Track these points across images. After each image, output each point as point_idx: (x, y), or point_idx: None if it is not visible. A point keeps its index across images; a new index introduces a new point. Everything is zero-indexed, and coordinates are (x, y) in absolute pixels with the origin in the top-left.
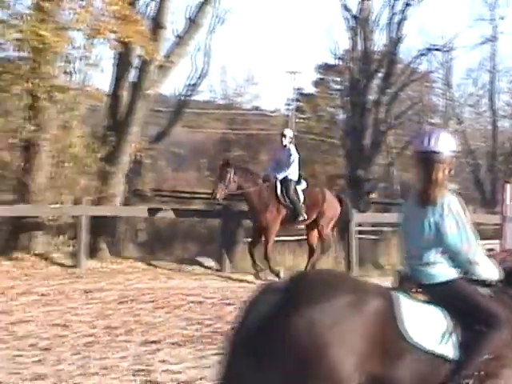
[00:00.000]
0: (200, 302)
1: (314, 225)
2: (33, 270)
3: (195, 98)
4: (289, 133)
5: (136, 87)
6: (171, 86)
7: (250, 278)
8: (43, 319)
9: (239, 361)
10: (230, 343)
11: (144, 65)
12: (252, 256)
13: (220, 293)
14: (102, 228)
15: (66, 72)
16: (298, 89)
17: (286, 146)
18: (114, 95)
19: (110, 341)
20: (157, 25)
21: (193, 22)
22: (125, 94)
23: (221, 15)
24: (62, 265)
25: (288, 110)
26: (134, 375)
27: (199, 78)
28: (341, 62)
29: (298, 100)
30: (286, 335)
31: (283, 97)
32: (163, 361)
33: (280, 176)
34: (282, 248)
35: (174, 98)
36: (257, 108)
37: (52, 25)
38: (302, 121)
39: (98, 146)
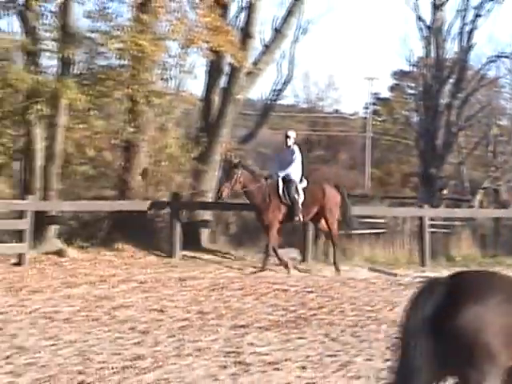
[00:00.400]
0: (285, 290)
1: (319, 217)
2: (132, 259)
3: (280, 102)
4: (292, 134)
5: (226, 92)
6: (258, 91)
7: (331, 268)
8: (142, 305)
9: (417, 345)
10: (404, 330)
11: (234, 71)
12: (274, 252)
13: (303, 281)
14: (195, 221)
15: (162, 78)
16: (375, 93)
17: (289, 146)
18: (207, 99)
19: (203, 325)
20: (246, 35)
21: (279, 33)
22: (216, 99)
23: (304, 26)
24: (158, 255)
25: (366, 113)
26: (224, 356)
27: (284, 83)
28: (415, 69)
29: (375, 104)
30: (454, 324)
31: (361, 101)
32: (251, 343)
33: (282, 174)
34: (360, 240)
35: (261, 102)
36: (337, 111)
37: (150, 35)
38: (378, 123)
39: (192, 147)
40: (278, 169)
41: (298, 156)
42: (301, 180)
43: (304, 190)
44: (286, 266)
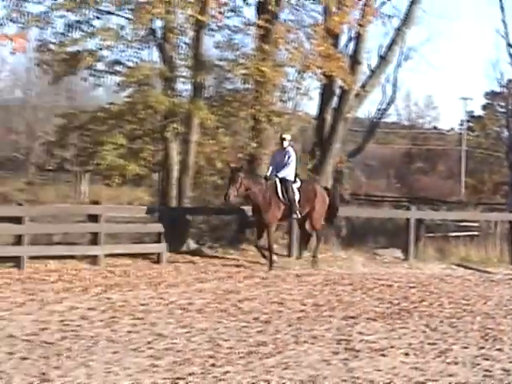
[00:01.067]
0: (389, 285)
1: (307, 216)
2: (255, 258)
3: (384, 120)
4: (287, 136)
5: (337, 112)
6: (365, 110)
7: (430, 266)
8: (264, 298)
9: None
10: None
11: (344, 93)
12: (259, 250)
13: (405, 278)
14: None
15: (281, 100)
16: (470, 112)
17: (285, 148)
18: (320, 118)
19: (317, 316)
20: (354, 61)
21: (383, 59)
22: (328, 117)
23: (406, 53)
24: (278, 254)
25: (461, 129)
26: (336, 344)
27: (388, 103)
28: (505, 90)
29: (469, 121)
30: None
31: (457, 118)
32: (360, 332)
33: (280, 175)
34: (456, 242)
35: (368, 120)
36: (435, 127)
37: (271, 62)
38: (472, 138)
39: (308, 159)
40: (276, 170)
41: (292, 157)
42: (295, 180)
43: (298, 189)
44: (270, 264)
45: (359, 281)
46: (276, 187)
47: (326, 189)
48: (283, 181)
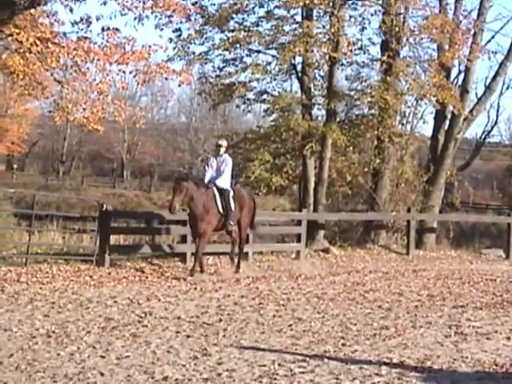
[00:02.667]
0: (493, 280)
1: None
2: (378, 256)
3: (488, 139)
4: (224, 143)
5: (448, 133)
6: (472, 131)
7: None
8: (385, 289)
9: None
10: None
11: (454, 117)
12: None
13: (507, 273)
14: (425, 228)
15: (401, 123)
16: None
17: (221, 155)
18: (434, 138)
19: (431, 305)
20: (463, 90)
21: (488, 89)
22: (441, 138)
23: (508, 83)
24: (397, 253)
25: None
26: (448, 328)
27: (492, 126)
28: None
29: None
30: None
31: None
32: (468, 319)
33: (218, 182)
34: None
35: (474, 140)
36: None
37: (392, 92)
38: None
39: (423, 173)
40: (214, 178)
41: (229, 165)
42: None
43: (233, 197)
44: (201, 270)
45: (467, 275)
46: (214, 196)
47: (249, 195)
48: (221, 190)
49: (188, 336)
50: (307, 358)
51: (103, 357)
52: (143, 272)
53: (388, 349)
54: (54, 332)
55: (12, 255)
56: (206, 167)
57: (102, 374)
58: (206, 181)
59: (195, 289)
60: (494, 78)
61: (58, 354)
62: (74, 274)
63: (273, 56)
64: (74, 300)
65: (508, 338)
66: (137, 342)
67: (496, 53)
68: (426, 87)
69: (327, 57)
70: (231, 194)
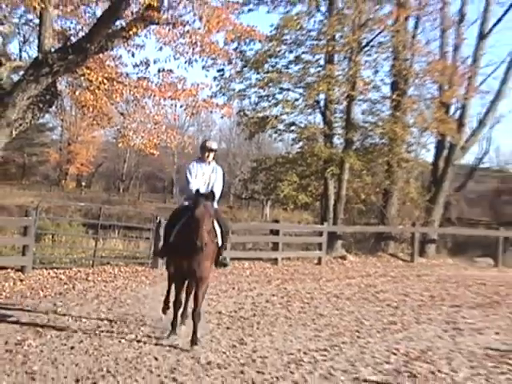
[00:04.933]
0: (484, 284)
1: None
2: (387, 263)
3: (480, 165)
4: (215, 146)
5: (447, 159)
6: (467, 158)
7: None
8: (393, 290)
9: None
10: None
11: (452, 146)
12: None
13: (495, 279)
14: (427, 239)
15: (407, 151)
16: None
17: (209, 162)
18: (435, 164)
19: (432, 304)
20: (460, 124)
21: (481, 123)
22: (441, 164)
23: (498, 118)
24: (403, 260)
25: None
26: (446, 324)
27: (484, 154)
28: None
29: None
30: None
31: None
32: (463, 317)
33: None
34: None
35: (468, 166)
36: None
37: (401, 124)
38: None
39: (425, 193)
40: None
41: (221, 178)
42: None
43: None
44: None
45: (462, 280)
46: (213, 221)
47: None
48: (216, 212)
49: (227, 328)
50: (328, 348)
51: (157, 344)
52: None
53: (395, 341)
54: (116, 323)
55: (81, 258)
56: (188, 175)
57: (156, 359)
58: (190, 193)
59: (233, 288)
60: (486, 113)
61: (120, 341)
62: (132, 274)
63: (300, 94)
64: (133, 296)
65: (497, 333)
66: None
67: (488, 93)
68: (428, 121)
69: (346, 95)
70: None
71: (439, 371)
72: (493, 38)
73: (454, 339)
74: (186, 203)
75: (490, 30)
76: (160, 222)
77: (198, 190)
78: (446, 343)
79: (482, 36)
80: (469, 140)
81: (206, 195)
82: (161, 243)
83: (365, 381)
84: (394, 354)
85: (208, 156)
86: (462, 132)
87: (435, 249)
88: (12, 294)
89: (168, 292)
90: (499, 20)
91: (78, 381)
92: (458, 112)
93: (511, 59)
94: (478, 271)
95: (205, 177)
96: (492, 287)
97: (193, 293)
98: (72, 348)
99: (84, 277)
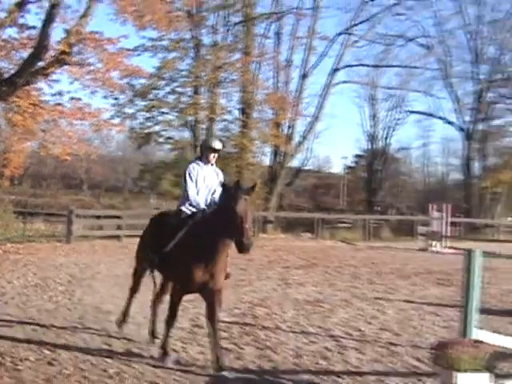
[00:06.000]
0: (306, 252)
1: None
2: None
3: (304, 167)
4: (219, 146)
5: (281, 163)
6: (294, 162)
7: (327, 242)
8: (242, 256)
9: None
10: None
11: (284, 154)
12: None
13: (314, 248)
14: (266, 220)
15: (253, 157)
16: (347, 164)
17: (212, 164)
18: (271, 166)
19: (269, 266)
20: (289, 138)
21: (304, 138)
22: (276, 166)
23: (316, 134)
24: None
25: (343, 172)
26: (279, 280)
27: (307, 160)
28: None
29: (348, 167)
30: None
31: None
32: (292, 274)
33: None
34: (341, 230)
35: (296, 168)
36: (329, 172)
37: (247, 138)
38: (350, 177)
39: (265, 187)
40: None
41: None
42: None
43: None
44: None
45: (290, 249)
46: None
47: None
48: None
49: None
50: (194, 299)
51: (70, 299)
52: None
53: (243, 293)
54: (39, 284)
55: (14, 236)
56: (189, 179)
57: (70, 310)
58: (193, 200)
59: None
60: (308, 131)
61: (42, 297)
62: (52, 248)
63: (175, 116)
64: (52, 264)
65: (315, 286)
66: (92, 287)
67: (308, 116)
68: (267, 136)
69: (208, 117)
70: None
71: (274, 313)
72: (312, 77)
73: (284, 291)
74: (183, 208)
75: (309, 72)
76: (72, 210)
77: (238, 182)
78: (278, 294)
79: (303, 76)
80: (296, 149)
81: (246, 190)
82: (151, 255)
83: (222, 322)
84: (242, 302)
85: (213, 157)
86: (291, 144)
87: (272, 227)
88: None
89: (129, 303)
90: (315, 66)
91: (11, 324)
92: (289, 130)
93: (322, 93)
94: (302, 243)
95: (206, 181)
96: (311, 253)
97: (209, 303)
98: (6, 303)
99: (15, 250)
